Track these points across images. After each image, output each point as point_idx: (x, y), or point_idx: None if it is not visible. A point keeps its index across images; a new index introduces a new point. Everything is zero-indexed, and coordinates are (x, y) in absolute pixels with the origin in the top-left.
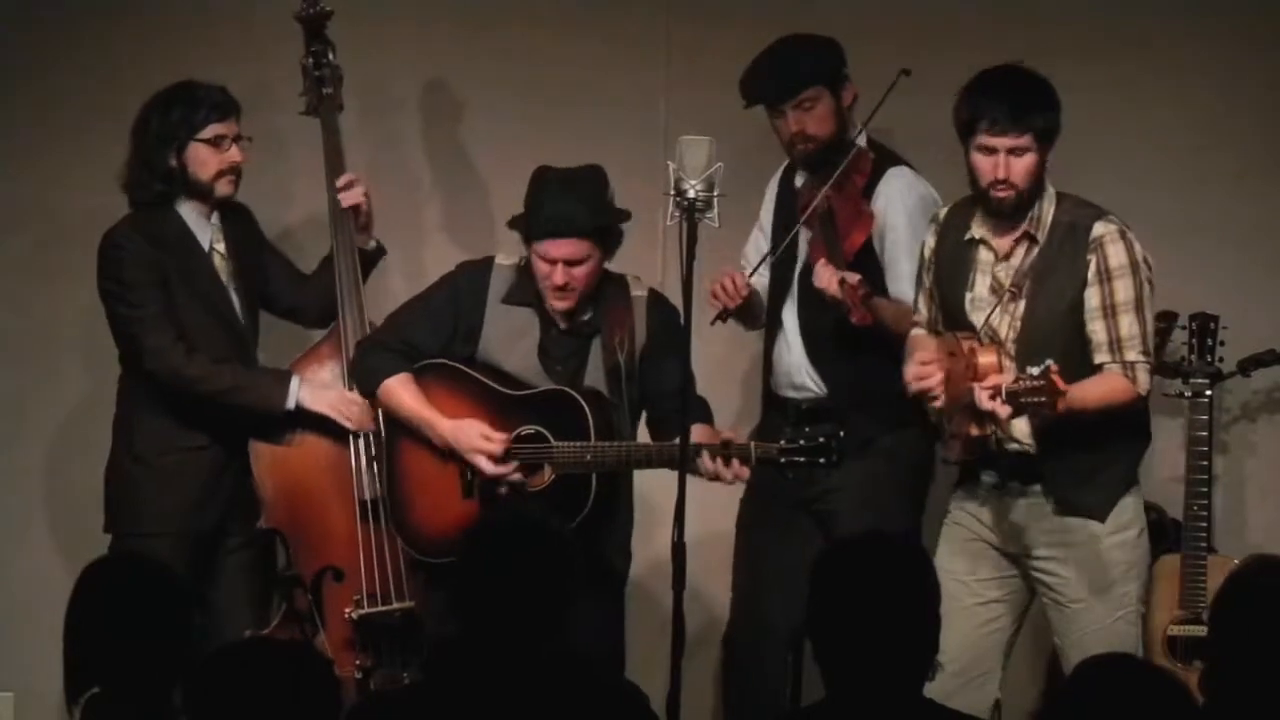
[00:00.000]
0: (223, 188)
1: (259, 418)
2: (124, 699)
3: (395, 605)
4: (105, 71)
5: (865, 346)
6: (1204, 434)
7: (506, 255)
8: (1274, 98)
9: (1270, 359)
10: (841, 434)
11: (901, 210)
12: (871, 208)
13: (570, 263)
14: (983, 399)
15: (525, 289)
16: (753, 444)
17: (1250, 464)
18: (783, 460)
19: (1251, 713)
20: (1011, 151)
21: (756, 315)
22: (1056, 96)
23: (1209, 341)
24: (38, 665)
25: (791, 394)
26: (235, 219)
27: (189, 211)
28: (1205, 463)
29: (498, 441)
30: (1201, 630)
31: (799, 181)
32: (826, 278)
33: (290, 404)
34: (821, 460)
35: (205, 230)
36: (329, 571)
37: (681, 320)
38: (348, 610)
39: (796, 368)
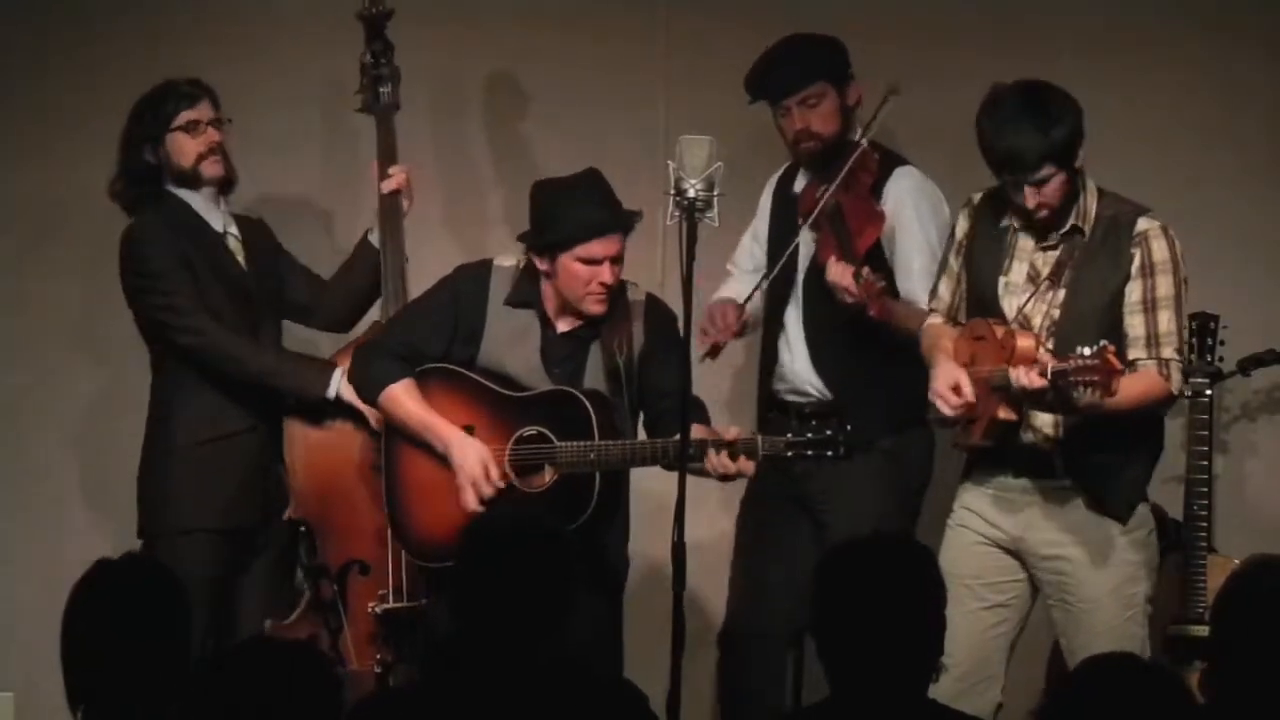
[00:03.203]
0: (208, 169)
1: (296, 403)
2: (125, 703)
3: (420, 601)
4: (106, 71)
5: (868, 349)
6: (1204, 434)
7: (505, 257)
8: (1274, 97)
9: (1270, 359)
10: (848, 427)
11: (911, 210)
12: (881, 207)
13: (614, 260)
14: (1024, 376)
15: (527, 291)
16: (759, 437)
17: (1250, 464)
18: (789, 454)
19: (1252, 713)
20: (1038, 183)
21: (747, 329)
22: (1069, 109)
23: (1209, 341)
24: (38, 665)
25: (793, 398)
26: (250, 226)
27: (194, 198)
28: (1205, 463)
29: (491, 486)
30: (1202, 630)
31: (799, 185)
32: (839, 272)
33: (331, 393)
34: (829, 453)
35: (216, 215)
36: (355, 565)
37: (678, 324)
38: (372, 605)
39: (799, 373)
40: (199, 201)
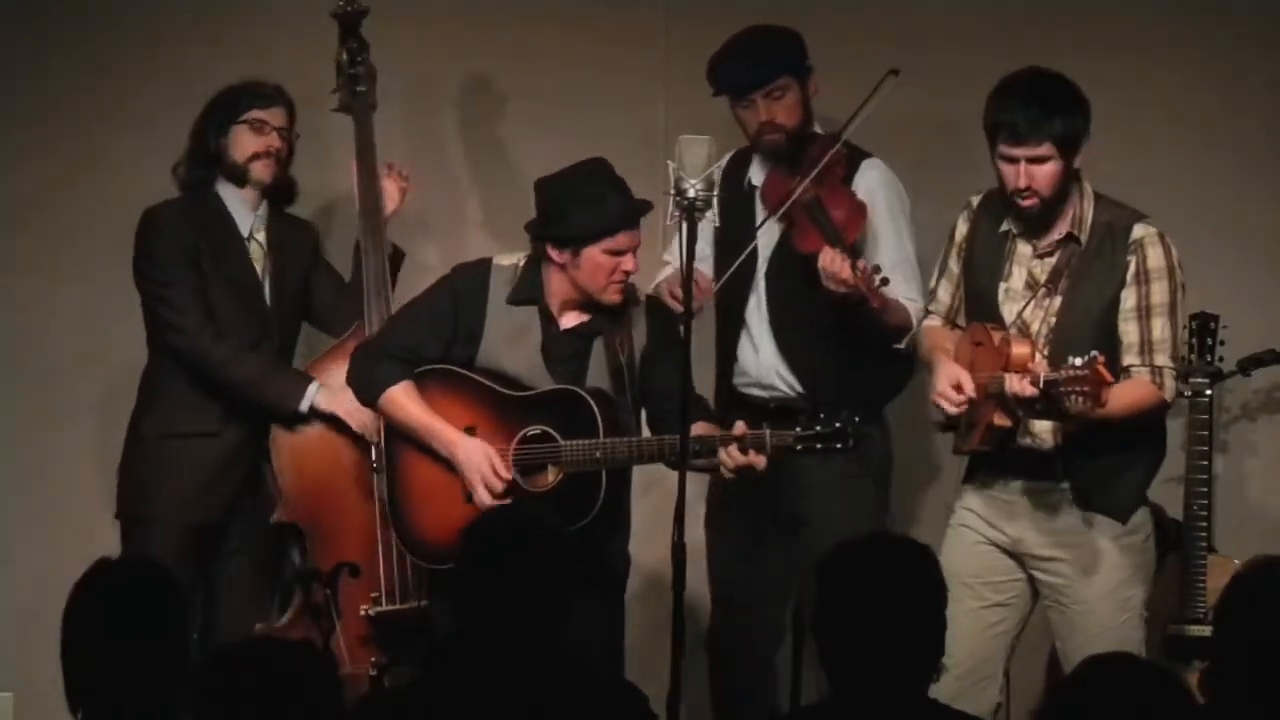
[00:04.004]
0: (258, 171)
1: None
2: (124, 703)
3: (412, 603)
4: (106, 71)
5: (833, 343)
6: (1204, 434)
7: (503, 256)
8: (1274, 97)
9: (1270, 359)
10: (856, 419)
11: (883, 202)
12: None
13: (635, 249)
14: (1016, 384)
15: (530, 287)
16: (768, 432)
17: (1250, 464)
18: (799, 448)
19: (1252, 713)
20: (1031, 160)
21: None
22: (1080, 101)
23: (1209, 341)
24: (38, 665)
25: (758, 393)
26: (292, 227)
27: (230, 195)
28: (1205, 463)
29: (500, 479)
30: (1201, 630)
31: (756, 176)
32: (839, 264)
33: (304, 406)
34: (838, 445)
35: (246, 217)
36: (346, 568)
37: (678, 324)
38: (364, 607)
39: (766, 368)
40: (235, 200)
